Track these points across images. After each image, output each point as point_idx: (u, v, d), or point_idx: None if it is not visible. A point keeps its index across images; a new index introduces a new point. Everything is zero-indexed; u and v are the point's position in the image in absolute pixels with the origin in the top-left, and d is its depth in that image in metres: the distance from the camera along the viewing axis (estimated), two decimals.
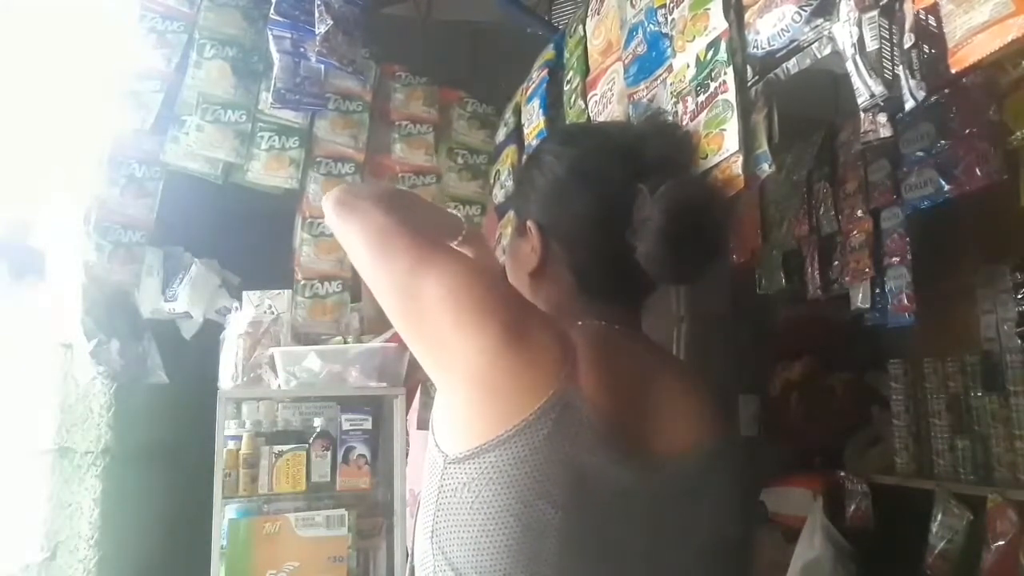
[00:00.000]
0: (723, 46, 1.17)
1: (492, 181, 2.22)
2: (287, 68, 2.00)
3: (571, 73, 1.73)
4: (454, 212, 1.15)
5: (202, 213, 2.14)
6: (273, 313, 2.06)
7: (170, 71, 2.02)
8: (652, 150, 0.94)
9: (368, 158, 2.28)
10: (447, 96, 2.45)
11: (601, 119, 1.53)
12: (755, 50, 1.13)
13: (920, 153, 2.06)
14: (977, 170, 1.91)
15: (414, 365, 2.01)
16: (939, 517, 2.25)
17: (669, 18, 1.32)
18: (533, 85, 1.90)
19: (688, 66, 1.24)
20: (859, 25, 0.96)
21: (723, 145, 1.13)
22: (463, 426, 0.81)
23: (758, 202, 2.61)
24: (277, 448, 1.94)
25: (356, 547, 1.97)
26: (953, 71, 0.86)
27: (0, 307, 2.15)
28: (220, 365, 2.01)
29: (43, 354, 2.19)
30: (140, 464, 2.14)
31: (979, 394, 2.30)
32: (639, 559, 0.81)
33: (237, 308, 2.06)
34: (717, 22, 1.19)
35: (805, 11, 1.04)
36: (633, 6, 1.45)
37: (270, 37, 2.00)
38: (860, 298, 2.24)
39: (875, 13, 0.95)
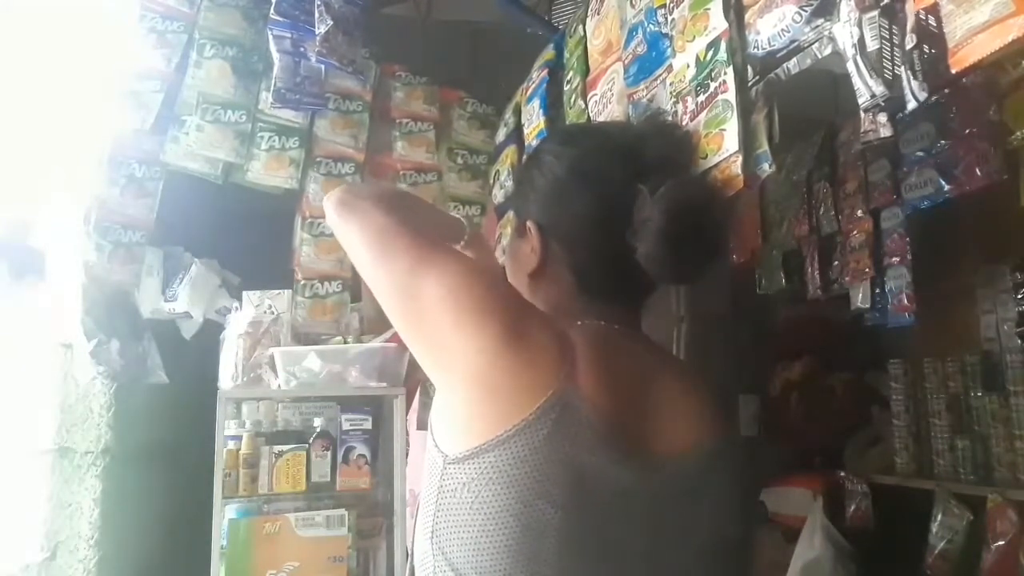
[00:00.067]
0: (723, 46, 1.17)
1: (492, 181, 2.22)
2: (287, 68, 2.00)
3: (571, 73, 1.72)
4: (456, 215, 1.15)
5: (202, 213, 2.15)
6: (273, 313, 2.06)
7: (170, 71, 2.02)
8: (652, 150, 0.94)
9: (368, 158, 2.28)
10: (447, 96, 2.45)
11: (601, 119, 1.53)
12: (755, 50, 1.13)
13: (920, 153, 2.06)
14: (977, 170, 1.90)
15: (414, 365, 2.01)
16: (939, 517, 2.25)
17: (669, 18, 1.32)
18: (533, 85, 1.90)
19: (688, 66, 1.24)
20: (860, 25, 0.96)
21: (723, 145, 1.13)
22: (463, 426, 0.81)
23: (758, 202, 2.61)
24: (277, 448, 1.94)
25: (356, 547, 1.97)
26: (953, 71, 0.86)
27: (0, 307, 2.15)
28: (220, 365, 2.01)
29: (43, 354, 2.19)
30: (140, 464, 2.14)
31: (979, 394, 2.30)
32: (639, 559, 0.81)
33: (237, 308, 2.06)
34: (717, 22, 1.19)
35: (805, 11, 1.04)
36: (633, 6, 1.45)
37: (270, 37, 2.00)
38: (860, 298, 2.24)
39: (875, 13, 0.95)
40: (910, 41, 0.90)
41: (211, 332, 2.11)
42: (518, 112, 2.02)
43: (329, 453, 1.97)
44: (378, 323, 2.15)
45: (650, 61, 1.38)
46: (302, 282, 2.15)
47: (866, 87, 0.96)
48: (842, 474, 2.62)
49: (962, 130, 1.94)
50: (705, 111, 1.18)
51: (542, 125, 1.79)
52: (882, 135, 1.00)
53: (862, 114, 0.99)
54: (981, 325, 2.42)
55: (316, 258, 2.16)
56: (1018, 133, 1.83)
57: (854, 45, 0.97)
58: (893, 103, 0.95)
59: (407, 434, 2.05)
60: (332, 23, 1.92)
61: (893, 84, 0.94)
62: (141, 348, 2.06)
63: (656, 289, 0.99)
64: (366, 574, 2.06)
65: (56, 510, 2.13)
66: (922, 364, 2.48)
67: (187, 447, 2.02)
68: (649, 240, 0.87)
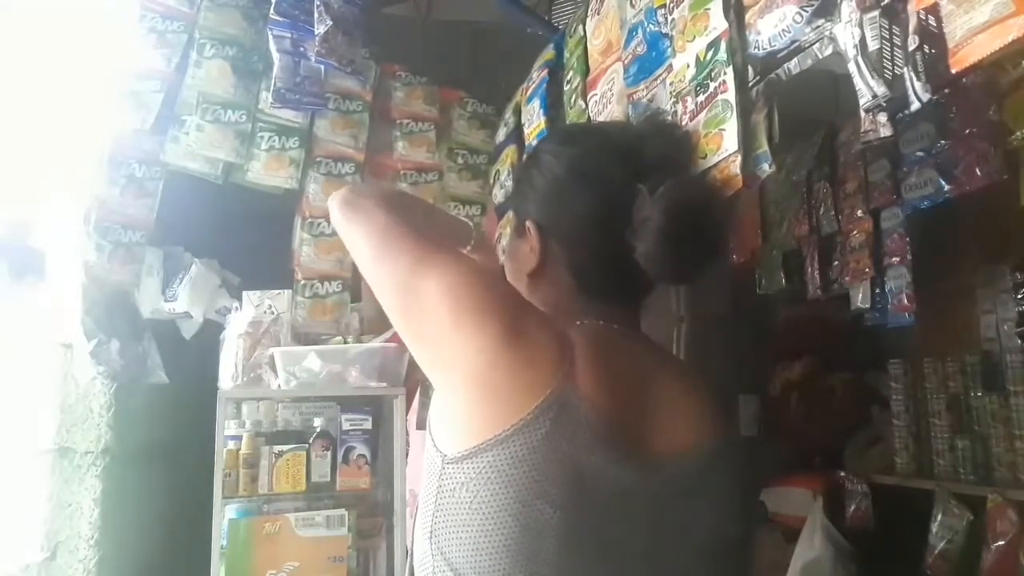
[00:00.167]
0: (723, 46, 1.17)
1: (492, 181, 2.22)
2: (287, 68, 2.00)
3: (571, 73, 1.72)
4: (463, 219, 1.15)
5: (202, 213, 2.14)
6: (273, 313, 2.06)
7: (170, 71, 2.02)
8: (651, 150, 0.94)
9: (368, 158, 2.28)
10: (447, 96, 2.45)
11: (601, 119, 1.53)
12: (756, 50, 1.13)
13: (920, 153, 2.06)
14: (977, 170, 1.91)
15: (414, 365, 2.01)
16: (939, 517, 2.25)
17: (669, 18, 1.32)
18: (533, 85, 1.90)
19: (688, 66, 1.24)
20: (861, 26, 0.96)
21: (722, 145, 1.13)
22: (461, 426, 0.81)
23: (758, 202, 2.62)
24: (277, 448, 1.94)
25: (356, 547, 1.97)
26: (953, 71, 0.86)
27: (0, 307, 2.15)
28: (220, 365, 2.01)
29: (43, 354, 2.19)
30: (140, 464, 2.14)
31: (979, 394, 2.30)
32: (638, 559, 0.81)
33: (237, 308, 2.06)
34: (717, 22, 1.19)
35: (806, 12, 1.04)
36: (633, 6, 1.45)
37: (270, 37, 2.00)
38: (860, 298, 2.24)
39: (876, 14, 0.95)
40: (913, 42, 0.90)
41: (211, 332, 2.11)
42: (518, 112, 2.02)
43: (329, 453, 1.97)
44: (378, 323, 2.15)
45: (650, 61, 1.38)
46: (302, 282, 2.15)
47: (867, 87, 0.96)
48: (842, 474, 2.63)
49: (962, 130, 1.94)
50: (705, 111, 1.18)
51: (542, 125, 1.79)
52: (882, 135, 1.00)
53: (862, 114, 0.99)
54: (981, 325, 2.43)
55: (316, 258, 2.16)
56: (1018, 133, 1.83)
57: (855, 46, 0.97)
58: (895, 103, 0.95)
59: (407, 434, 2.05)
60: (331, 23, 1.92)
61: (894, 84, 0.94)
62: (141, 348, 2.06)
63: (655, 289, 0.99)
64: (366, 574, 2.06)
65: (56, 510, 2.13)
66: (922, 364, 2.48)
67: (187, 447, 2.02)
68: (648, 240, 0.87)
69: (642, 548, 0.82)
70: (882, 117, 0.99)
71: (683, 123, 1.21)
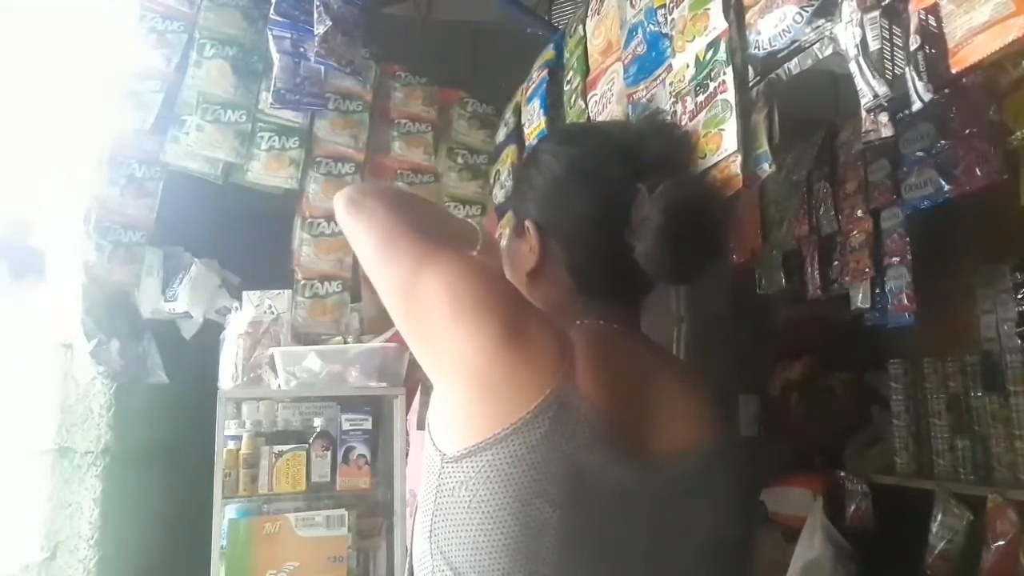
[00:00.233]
0: (722, 46, 1.17)
1: (492, 181, 2.22)
2: (287, 68, 2.00)
3: (571, 73, 1.72)
4: (470, 221, 1.15)
5: (202, 213, 2.15)
6: (273, 313, 2.06)
7: (170, 71, 2.02)
8: (651, 149, 0.94)
9: (368, 158, 2.28)
10: (447, 96, 2.45)
11: (601, 119, 1.53)
12: (756, 50, 1.13)
13: (920, 153, 2.06)
14: (977, 170, 1.91)
15: (414, 365, 2.01)
16: (939, 517, 2.25)
17: (669, 18, 1.32)
18: (533, 85, 1.90)
19: (687, 66, 1.24)
20: (861, 26, 0.96)
21: (721, 145, 1.13)
22: (461, 425, 0.81)
23: (758, 202, 2.61)
24: (277, 448, 1.94)
25: (356, 547, 1.97)
26: (953, 71, 0.85)
27: (0, 307, 2.15)
28: (220, 365, 2.01)
29: (43, 354, 2.19)
30: (140, 464, 2.14)
31: (979, 394, 2.30)
32: (638, 559, 0.81)
33: (237, 308, 2.06)
34: (717, 22, 1.19)
35: (806, 12, 1.04)
36: (633, 6, 1.45)
37: (270, 37, 2.00)
38: (860, 298, 2.24)
39: (876, 14, 0.95)
40: (914, 42, 0.90)
41: (211, 332, 2.11)
42: (518, 112, 2.02)
43: (329, 453, 1.98)
44: (378, 323, 2.15)
45: (650, 61, 1.37)
46: (302, 282, 2.15)
47: (869, 87, 0.96)
48: (842, 474, 2.62)
49: (962, 130, 1.94)
50: (704, 111, 1.18)
51: (542, 125, 1.79)
52: (883, 135, 1.00)
53: (863, 114, 0.99)
54: (981, 325, 2.42)
55: (316, 258, 2.16)
56: (1018, 133, 1.83)
57: (856, 46, 0.97)
58: (896, 103, 0.95)
59: (407, 434, 2.05)
60: (331, 24, 1.92)
61: (895, 84, 0.94)
62: (141, 348, 2.06)
63: (655, 289, 0.99)
64: (366, 574, 2.06)
65: (56, 510, 2.13)
66: (922, 364, 2.48)
67: (187, 447, 2.02)
68: (648, 239, 0.87)
69: (642, 548, 0.81)
70: (883, 117, 0.99)
71: (682, 123, 1.21)
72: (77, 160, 1.99)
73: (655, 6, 1.36)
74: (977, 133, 1.91)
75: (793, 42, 1.07)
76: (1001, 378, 2.23)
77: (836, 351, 2.89)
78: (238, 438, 1.93)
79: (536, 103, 1.84)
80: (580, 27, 1.71)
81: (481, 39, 2.79)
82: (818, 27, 1.04)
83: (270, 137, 2.10)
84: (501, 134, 2.17)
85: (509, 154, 2.05)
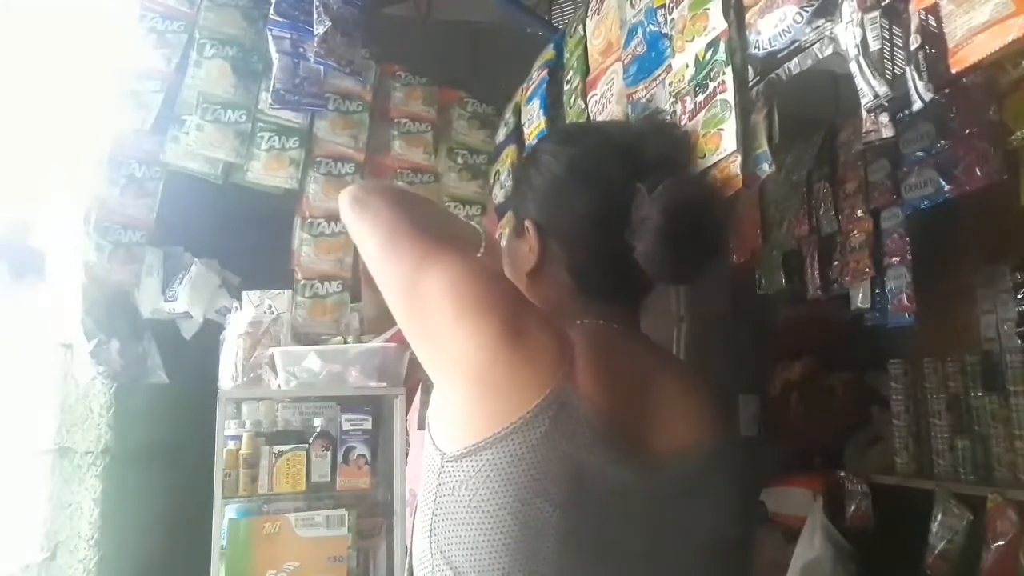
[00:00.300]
0: (722, 46, 1.17)
1: (492, 181, 2.22)
2: (286, 69, 2.00)
3: (571, 73, 1.72)
4: (474, 224, 1.15)
5: (202, 213, 2.15)
6: (273, 313, 2.06)
7: (170, 71, 2.02)
8: (650, 149, 0.94)
9: (368, 158, 2.28)
10: (447, 96, 2.45)
11: (601, 119, 1.53)
12: (756, 50, 1.13)
13: (920, 153, 2.06)
14: (977, 170, 1.91)
15: (414, 365, 2.01)
16: (939, 517, 2.25)
17: (668, 18, 1.32)
18: (533, 85, 1.90)
19: (687, 66, 1.24)
20: (861, 26, 0.96)
21: (721, 145, 1.13)
22: (461, 424, 0.81)
23: (758, 202, 2.61)
24: (277, 448, 1.94)
25: (356, 547, 1.97)
26: (953, 71, 0.85)
27: (0, 307, 2.15)
28: (220, 365, 2.01)
29: (43, 354, 2.19)
30: (140, 464, 2.14)
31: (979, 394, 2.30)
32: (638, 559, 0.81)
33: (237, 308, 2.06)
34: (716, 22, 1.19)
35: (806, 12, 1.04)
36: (633, 6, 1.45)
37: (269, 38, 2.00)
38: (860, 298, 2.24)
39: (877, 14, 0.95)
40: (915, 41, 0.90)
41: (211, 332, 2.12)
42: (518, 112, 2.02)
43: (329, 453, 1.98)
44: (378, 323, 2.15)
45: (649, 61, 1.37)
46: (302, 282, 2.15)
47: (869, 87, 0.96)
48: (842, 474, 2.62)
49: (962, 130, 1.94)
50: (703, 111, 1.18)
51: (542, 125, 1.79)
52: (884, 135, 1.00)
53: (864, 114, 0.99)
54: (981, 325, 2.42)
55: (316, 258, 2.16)
56: (1018, 133, 1.83)
57: (857, 46, 0.97)
58: (897, 103, 0.95)
59: (407, 434, 2.05)
60: (330, 24, 1.92)
61: (895, 84, 0.94)
62: (141, 348, 2.06)
63: (654, 288, 0.99)
64: (366, 574, 2.06)
65: (56, 510, 2.13)
66: (922, 364, 2.48)
67: (187, 447, 2.02)
68: (647, 239, 0.87)
69: (642, 548, 0.81)
70: (884, 117, 0.99)
71: (682, 123, 1.21)
72: (77, 160, 1.99)
73: (655, 6, 1.36)
74: (977, 133, 1.91)
75: (793, 42, 1.07)
76: (1001, 378, 2.23)
77: (836, 351, 2.89)
78: (238, 438, 1.93)
79: (536, 103, 1.84)
80: (580, 27, 1.71)
81: (481, 39, 2.79)
82: (818, 27, 1.04)
83: (270, 137, 2.10)
84: (501, 134, 2.17)
85: (509, 154, 2.05)
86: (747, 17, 1.16)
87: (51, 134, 1.98)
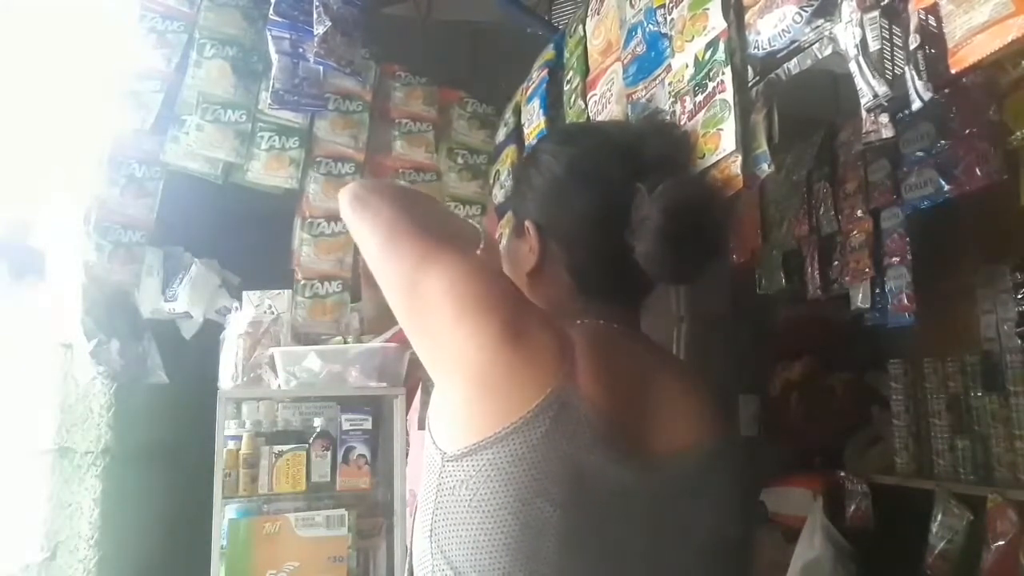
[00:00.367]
0: (721, 46, 1.17)
1: (492, 181, 2.22)
2: (286, 69, 2.00)
3: (571, 73, 1.73)
4: (472, 222, 1.15)
5: (202, 213, 2.15)
6: (273, 313, 2.06)
7: (170, 71, 2.02)
8: (650, 149, 0.94)
9: (368, 158, 2.28)
10: (447, 96, 2.45)
11: (600, 119, 1.53)
12: (756, 50, 1.13)
13: (920, 153, 2.06)
14: (977, 170, 1.90)
15: (414, 365, 2.01)
16: (939, 517, 2.25)
17: (668, 18, 1.32)
18: (533, 85, 1.90)
19: (687, 66, 1.24)
20: (861, 26, 0.96)
21: (720, 145, 1.13)
22: (461, 423, 0.81)
23: (758, 202, 2.61)
24: (277, 448, 1.94)
25: (356, 547, 1.97)
26: (953, 71, 0.86)
27: (0, 307, 2.15)
28: (220, 365, 2.01)
29: (43, 354, 2.19)
30: (140, 464, 2.14)
31: (979, 394, 2.30)
32: (638, 558, 0.81)
33: (237, 308, 2.06)
34: (716, 22, 1.19)
35: (806, 12, 1.04)
36: (633, 6, 1.45)
37: (269, 38, 2.00)
38: (860, 298, 2.24)
39: (876, 13, 0.95)
40: (914, 41, 0.90)
41: (211, 332, 2.12)
42: (518, 112, 2.02)
43: (329, 453, 1.98)
44: (378, 323, 2.15)
45: (649, 61, 1.38)
46: (302, 282, 2.15)
47: (869, 87, 0.96)
48: (842, 474, 2.62)
49: (962, 130, 1.94)
50: (703, 111, 1.18)
51: (542, 125, 1.79)
52: (884, 135, 1.00)
53: (864, 114, 0.99)
54: (981, 325, 2.42)
55: (316, 258, 2.16)
56: (1018, 133, 1.83)
57: (856, 46, 0.97)
58: (896, 103, 0.95)
59: (407, 434, 2.05)
60: (330, 24, 1.92)
61: (895, 84, 0.94)
62: (141, 348, 2.06)
63: (655, 288, 0.99)
64: (366, 574, 2.06)
65: (56, 510, 2.13)
66: (922, 364, 2.48)
67: (187, 447, 2.02)
68: (648, 239, 0.87)
69: (642, 548, 0.81)
70: (884, 117, 0.99)
71: (681, 123, 1.21)
72: (77, 160, 1.99)
73: (654, 6, 1.36)
74: (977, 133, 1.91)
75: (792, 42, 1.07)
76: (1001, 378, 2.23)
77: (836, 351, 2.89)
78: (238, 438, 1.93)
79: (536, 103, 1.84)
80: (580, 27, 1.71)
81: (481, 39, 2.79)
82: (817, 27, 1.04)
83: (270, 137, 2.10)
84: (501, 134, 2.17)
85: (509, 154, 2.05)
86: (747, 17, 1.16)
87: (51, 134, 1.98)
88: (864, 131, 1.02)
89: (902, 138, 2.07)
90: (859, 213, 2.25)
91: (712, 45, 1.19)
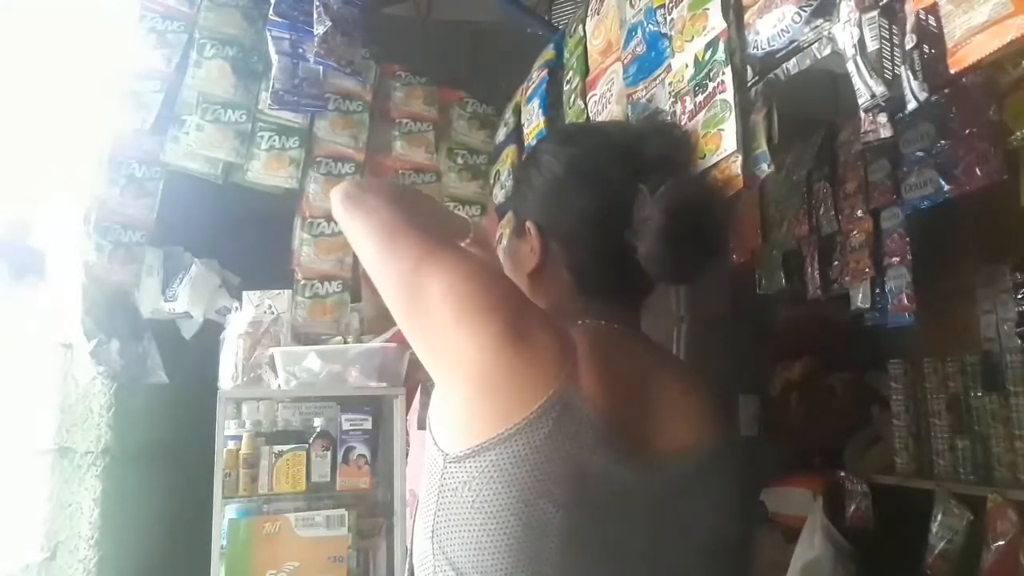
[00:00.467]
0: (721, 46, 1.17)
1: (492, 181, 2.22)
2: (285, 69, 2.00)
3: (571, 73, 1.73)
4: (461, 214, 1.15)
5: (202, 213, 2.15)
6: (273, 313, 2.06)
7: (170, 71, 2.02)
8: (651, 149, 0.94)
9: (368, 158, 2.28)
10: (447, 96, 2.45)
11: (600, 119, 1.53)
12: (755, 50, 1.13)
13: (920, 153, 2.06)
14: (977, 170, 1.90)
15: (414, 365, 2.01)
16: (939, 517, 2.25)
17: (668, 18, 1.32)
18: (533, 85, 1.90)
19: (687, 66, 1.24)
20: (859, 26, 0.96)
21: (721, 145, 1.13)
22: (463, 424, 0.81)
23: (758, 202, 2.61)
24: (277, 448, 1.94)
25: (356, 547, 1.97)
26: (952, 71, 0.85)
27: (0, 307, 2.15)
28: (220, 365, 2.01)
29: (43, 354, 2.19)
30: (140, 464, 2.14)
31: (979, 394, 2.30)
32: (640, 559, 0.81)
33: (237, 308, 2.06)
34: (716, 22, 1.19)
35: (805, 11, 1.04)
36: (632, 6, 1.45)
37: (269, 38, 2.00)
38: (860, 298, 2.24)
39: (875, 13, 0.95)
40: (910, 41, 0.90)
41: (211, 332, 2.11)
42: (518, 112, 2.02)
43: (329, 453, 1.98)
44: (378, 323, 2.15)
45: (649, 61, 1.38)
46: (302, 282, 2.15)
47: (866, 87, 0.96)
48: (842, 474, 2.62)
49: (962, 130, 1.94)
50: (703, 111, 1.18)
51: (542, 125, 1.79)
52: (882, 135, 1.00)
53: (862, 114, 0.99)
54: (981, 325, 2.42)
55: (316, 258, 2.16)
56: (1018, 133, 1.83)
57: (854, 45, 0.97)
58: (893, 103, 0.95)
59: (407, 434, 2.06)
60: (331, 24, 1.92)
61: (893, 84, 0.94)
62: (141, 348, 2.06)
63: (655, 288, 0.99)
64: (366, 574, 2.06)
65: (56, 510, 2.13)
66: (922, 364, 2.48)
67: (187, 447, 2.02)
68: (649, 239, 0.87)
69: (643, 548, 0.82)
70: (882, 117, 0.99)
71: (682, 123, 1.21)
72: (77, 160, 1.99)
73: (654, 6, 1.36)
74: (977, 133, 1.91)
75: (792, 42, 1.07)
76: (1001, 378, 2.23)
77: (836, 351, 2.89)
78: (238, 438, 1.93)
79: (536, 103, 1.84)
80: (580, 27, 1.71)
81: (481, 39, 2.79)
82: (816, 27, 1.04)
83: (270, 137, 2.10)
84: (501, 134, 2.17)
85: (509, 154, 2.05)
86: (746, 17, 1.16)
87: (51, 134, 1.98)
88: (862, 131, 1.02)
89: (902, 138, 2.07)
90: (859, 213, 2.25)
91: (712, 45, 1.19)
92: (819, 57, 1.05)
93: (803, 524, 2.48)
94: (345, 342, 2.13)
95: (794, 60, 1.08)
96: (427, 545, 0.82)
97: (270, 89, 2.00)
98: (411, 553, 0.89)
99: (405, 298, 0.87)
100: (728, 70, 1.15)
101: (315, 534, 1.89)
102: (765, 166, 1.10)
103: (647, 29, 1.38)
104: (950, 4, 0.85)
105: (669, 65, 1.31)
